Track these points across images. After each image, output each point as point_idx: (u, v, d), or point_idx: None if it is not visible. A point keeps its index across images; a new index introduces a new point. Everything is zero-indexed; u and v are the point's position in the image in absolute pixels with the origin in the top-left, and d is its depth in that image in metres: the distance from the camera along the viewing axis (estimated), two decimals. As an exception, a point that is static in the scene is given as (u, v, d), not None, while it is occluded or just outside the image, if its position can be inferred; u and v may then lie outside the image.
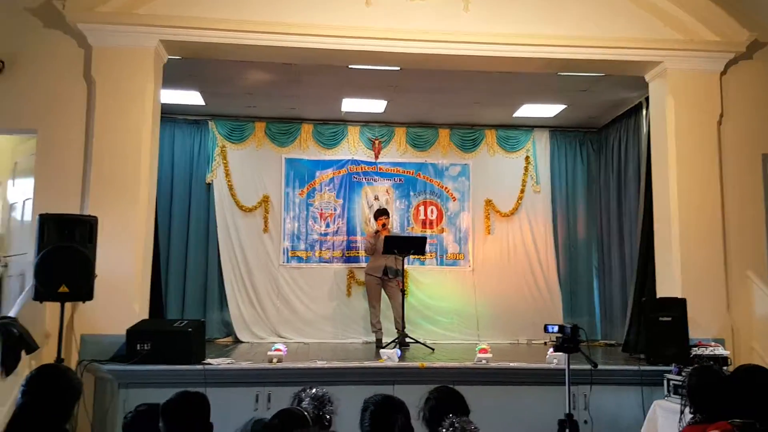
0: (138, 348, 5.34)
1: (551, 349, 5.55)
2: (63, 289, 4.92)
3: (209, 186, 9.00)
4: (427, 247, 8.70)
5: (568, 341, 4.35)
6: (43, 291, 4.93)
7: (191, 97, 8.34)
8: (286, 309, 8.88)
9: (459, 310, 9.10)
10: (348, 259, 9.15)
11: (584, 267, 9.43)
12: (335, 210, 9.22)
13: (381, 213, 8.32)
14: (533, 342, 8.83)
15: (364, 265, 8.75)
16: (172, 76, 6.97)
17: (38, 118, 6.09)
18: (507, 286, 9.22)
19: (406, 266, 8.33)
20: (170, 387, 3.37)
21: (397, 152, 9.38)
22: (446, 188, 9.45)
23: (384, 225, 8.14)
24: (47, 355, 5.18)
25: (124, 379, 5.28)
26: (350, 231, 9.22)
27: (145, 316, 6.05)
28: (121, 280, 5.77)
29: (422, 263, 9.23)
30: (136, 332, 5.44)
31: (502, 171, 9.48)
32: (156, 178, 6.48)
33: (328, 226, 9.18)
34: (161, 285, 7.68)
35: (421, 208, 9.38)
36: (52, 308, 5.28)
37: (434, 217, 9.39)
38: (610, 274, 8.96)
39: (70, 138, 6.07)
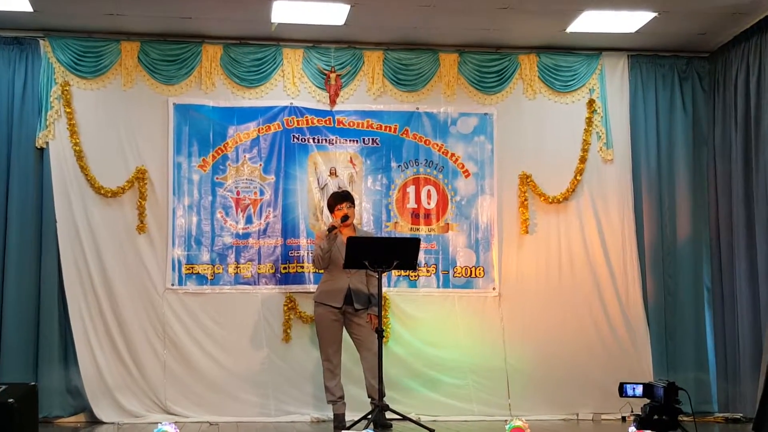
0: None
1: (633, 427, 5.71)
2: None
3: (42, 152, 9.18)
4: (421, 257, 9.12)
5: (660, 411, 4.74)
6: None
7: (10, -1, 8.42)
8: (179, 364, 9.17)
9: (477, 365, 9.49)
10: (285, 279, 9.46)
11: (689, 288, 9.84)
12: (262, 194, 9.51)
13: (341, 198, 8.55)
14: (603, 416, 9.30)
15: (312, 288, 9.09)
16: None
17: None
18: (557, 322, 9.64)
19: (384, 289, 8.72)
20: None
21: (367, 94, 9.72)
22: (453, 155, 9.83)
23: (346, 218, 8.42)
24: None
25: None
26: (288, 230, 9.53)
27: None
28: None
29: (413, 284, 9.61)
30: None
31: (549, 125, 9.92)
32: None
33: (249, 221, 9.49)
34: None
35: (411, 189, 9.74)
36: None
37: (433, 204, 9.75)
38: (732, 299, 9.34)
39: None
